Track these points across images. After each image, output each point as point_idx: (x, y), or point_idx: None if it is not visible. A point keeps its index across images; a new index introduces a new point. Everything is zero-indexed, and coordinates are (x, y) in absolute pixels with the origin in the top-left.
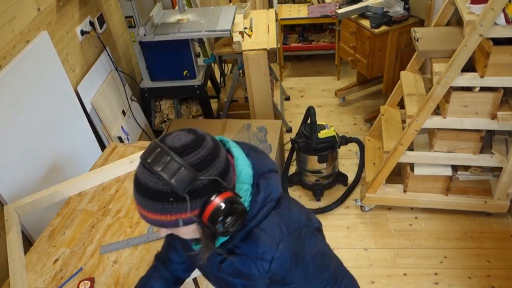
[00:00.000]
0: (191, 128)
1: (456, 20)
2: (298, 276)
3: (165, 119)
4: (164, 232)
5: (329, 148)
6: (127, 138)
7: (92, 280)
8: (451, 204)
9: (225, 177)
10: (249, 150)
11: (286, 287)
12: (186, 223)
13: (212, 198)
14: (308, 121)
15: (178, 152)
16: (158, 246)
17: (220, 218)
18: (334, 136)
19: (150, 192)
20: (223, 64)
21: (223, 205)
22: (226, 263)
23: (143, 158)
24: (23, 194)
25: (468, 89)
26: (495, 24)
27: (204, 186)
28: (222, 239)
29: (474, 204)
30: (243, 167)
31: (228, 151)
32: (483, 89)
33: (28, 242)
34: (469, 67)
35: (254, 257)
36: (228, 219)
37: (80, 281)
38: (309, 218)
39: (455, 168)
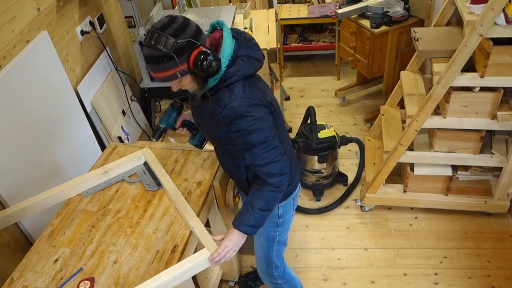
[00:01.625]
0: (170, 14)
1: (456, 20)
2: (241, 131)
3: None
4: (175, 87)
5: (329, 148)
6: (127, 138)
7: (92, 280)
8: (451, 204)
9: (198, 39)
10: (241, 36)
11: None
12: (182, 74)
13: (192, 51)
14: (308, 121)
15: (160, 29)
16: (157, 246)
17: (199, 62)
18: (334, 136)
19: (152, 59)
20: None
21: (200, 54)
22: (201, 106)
23: (144, 40)
24: (23, 194)
25: (468, 89)
26: (495, 24)
27: (183, 45)
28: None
29: (474, 204)
30: (226, 46)
31: (221, 31)
32: (483, 89)
33: (28, 242)
34: (469, 67)
35: (216, 103)
36: (205, 62)
37: (80, 281)
38: (265, 95)
39: (455, 168)
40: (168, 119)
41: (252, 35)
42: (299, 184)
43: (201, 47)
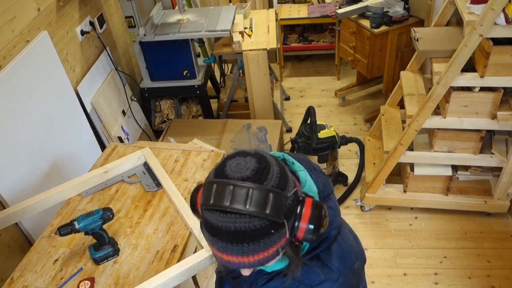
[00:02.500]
0: (239, 150)
1: (456, 20)
2: None
3: (165, 119)
4: (248, 272)
5: (329, 148)
6: (127, 138)
7: (92, 280)
8: (451, 204)
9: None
10: (313, 171)
11: None
12: (283, 248)
13: (299, 210)
14: (308, 121)
15: (254, 180)
16: (157, 246)
17: (312, 227)
18: (334, 136)
19: (247, 235)
20: (223, 64)
21: (312, 213)
22: (272, 284)
23: (213, 203)
24: (23, 194)
25: (468, 89)
26: (495, 24)
27: (292, 202)
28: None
29: (474, 204)
30: (308, 190)
31: (294, 173)
32: (483, 89)
33: (28, 242)
34: (469, 67)
35: (309, 285)
36: (323, 222)
37: (80, 281)
38: (361, 248)
39: (455, 168)
40: (90, 224)
41: (252, 36)
42: None
43: (307, 197)
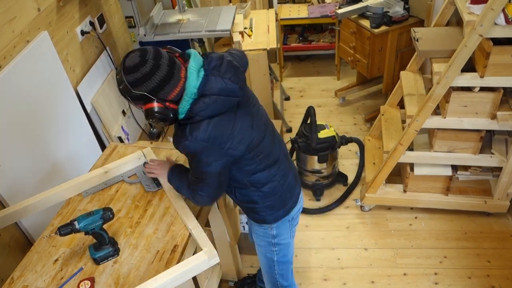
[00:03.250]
0: (144, 49)
1: (456, 20)
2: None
3: None
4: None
5: (329, 148)
6: (127, 138)
7: (92, 280)
8: (451, 204)
9: (157, 93)
10: (214, 70)
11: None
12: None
13: (144, 103)
14: (308, 121)
15: (125, 71)
16: (157, 246)
17: (147, 116)
18: (334, 136)
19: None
20: None
21: (149, 110)
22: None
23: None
24: (23, 194)
25: (468, 89)
26: (495, 24)
27: (138, 96)
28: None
29: (474, 204)
30: (189, 86)
31: (188, 68)
32: (483, 89)
33: (28, 242)
34: (469, 67)
35: (179, 136)
36: (150, 120)
37: (81, 281)
38: (226, 139)
39: (455, 168)
40: (90, 223)
41: (252, 36)
42: (297, 208)
43: (153, 103)
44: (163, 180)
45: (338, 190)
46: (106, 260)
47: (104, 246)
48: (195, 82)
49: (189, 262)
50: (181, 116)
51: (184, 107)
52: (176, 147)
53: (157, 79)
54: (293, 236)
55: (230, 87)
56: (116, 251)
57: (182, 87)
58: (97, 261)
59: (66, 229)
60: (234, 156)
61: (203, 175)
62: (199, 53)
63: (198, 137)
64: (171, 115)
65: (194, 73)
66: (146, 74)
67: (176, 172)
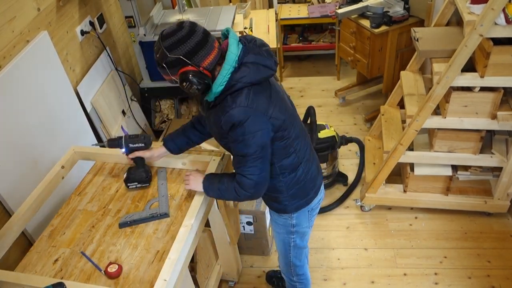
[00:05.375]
0: (183, 20)
1: (456, 20)
2: (236, 139)
3: (165, 119)
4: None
5: (329, 148)
6: None
7: (120, 265)
8: (451, 204)
9: (192, 56)
10: (251, 43)
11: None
12: (176, 82)
13: (179, 68)
14: (308, 121)
15: (162, 38)
16: (157, 246)
17: (182, 81)
18: (334, 136)
19: (155, 61)
20: None
21: (184, 74)
22: (209, 116)
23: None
24: (23, 194)
25: (468, 89)
26: (495, 24)
27: (173, 61)
28: (210, 99)
29: (474, 204)
30: (230, 53)
31: (229, 37)
32: (483, 89)
33: (28, 242)
34: (469, 67)
35: (220, 110)
36: (185, 83)
37: (109, 264)
38: (268, 106)
39: (455, 168)
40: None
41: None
42: (318, 199)
43: (188, 67)
44: (199, 193)
45: (338, 190)
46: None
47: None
48: (236, 50)
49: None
50: (220, 88)
51: (224, 76)
52: (216, 127)
53: (193, 42)
54: (311, 226)
55: (266, 60)
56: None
57: (216, 56)
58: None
59: (114, 142)
60: (275, 125)
61: (248, 149)
62: None
63: (243, 103)
64: (206, 81)
65: (234, 43)
66: (182, 38)
67: (211, 178)
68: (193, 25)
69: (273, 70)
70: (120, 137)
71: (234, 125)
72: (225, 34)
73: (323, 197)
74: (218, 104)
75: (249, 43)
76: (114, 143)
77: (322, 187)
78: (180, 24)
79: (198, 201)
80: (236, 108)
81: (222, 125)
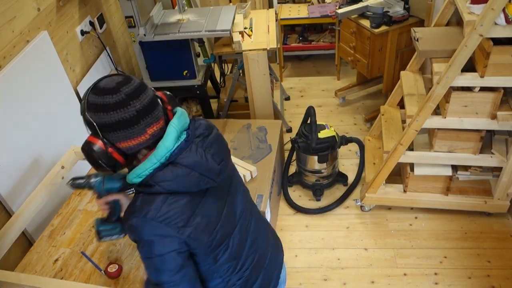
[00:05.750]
0: (129, 78)
1: (456, 20)
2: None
3: None
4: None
5: (329, 148)
6: None
7: (120, 265)
8: (451, 204)
9: (108, 132)
10: (197, 139)
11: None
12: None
13: (90, 134)
14: (308, 121)
15: (94, 86)
16: None
17: (82, 149)
18: (334, 136)
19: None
20: (223, 64)
21: (87, 144)
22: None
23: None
24: (23, 194)
25: (468, 89)
26: (495, 24)
27: (87, 121)
28: (130, 180)
29: (474, 204)
30: (163, 147)
31: (169, 125)
32: (483, 89)
33: (28, 242)
34: (469, 67)
35: (128, 209)
36: (84, 154)
37: (109, 264)
38: (185, 226)
39: (455, 168)
40: (113, 184)
41: (252, 36)
42: None
43: (97, 139)
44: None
45: (338, 190)
46: (109, 238)
47: (112, 219)
48: (171, 143)
49: None
50: (136, 179)
51: (145, 169)
52: (123, 227)
53: (115, 118)
54: None
55: (210, 165)
56: (122, 231)
57: (144, 142)
58: (100, 235)
59: (80, 181)
60: (193, 247)
61: (158, 274)
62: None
63: (150, 214)
64: (109, 166)
65: (173, 133)
66: (106, 106)
67: None
68: (132, 96)
69: (212, 179)
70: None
71: (137, 242)
72: (175, 112)
73: (285, 279)
74: (133, 193)
75: (197, 137)
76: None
77: (282, 275)
78: (119, 85)
79: None
80: (140, 219)
81: (125, 226)
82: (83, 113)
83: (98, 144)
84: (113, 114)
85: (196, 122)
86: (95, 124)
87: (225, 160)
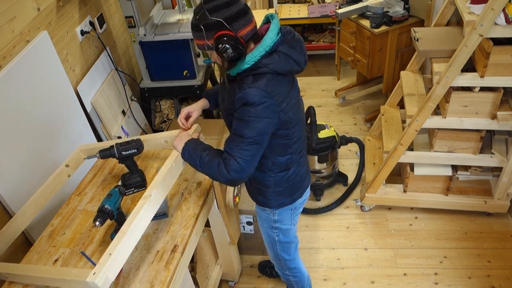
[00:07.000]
0: None
1: (456, 20)
2: (241, 117)
3: (165, 119)
4: (212, 57)
5: (329, 148)
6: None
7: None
8: (451, 204)
9: (232, 22)
10: (289, 35)
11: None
12: (209, 48)
13: (217, 31)
14: (308, 121)
15: (205, 1)
16: (157, 246)
17: (217, 43)
18: (334, 136)
19: (191, 24)
20: None
21: (220, 37)
22: (228, 90)
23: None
24: (23, 194)
25: (468, 89)
26: (495, 24)
27: (213, 23)
28: (232, 73)
29: (474, 204)
30: (268, 37)
31: (271, 24)
32: (483, 89)
33: (28, 242)
34: (469, 67)
35: (238, 86)
36: (220, 46)
37: None
38: (283, 100)
39: (455, 168)
40: (115, 202)
41: None
42: (303, 199)
43: (226, 30)
44: (169, 159)
45: (338, 190)
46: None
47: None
48: (274, 37)
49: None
50: (245, 66)
51: (254, 56)
52: (228, 102)
53: (235, 9)
54: (294, 224)
55: (298, 57)
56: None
57: (252, 30)
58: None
59: (103, 216)
60: (282, 120)
61: (249, 131)
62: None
63: (262, 86)
64: (240, 47)
65: (275, 30)
66: (226, 3)
67: (197, 143)
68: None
69: (300, 67)
70: (112, 146)
71: (246, 103)
72: (268, 19)
73: (308, 197)
74: (237, 81)
75: (288, 35)
76: (106, 153)
77: (308, 188)
78: None
79: (165, 167)
80: (254, 89)
81: (235, 101)
82: (205, 19)
83: (229, 33)
84: (233, 7)
85: (284, 27)
86: (222, 20)
87: (306, 54)
